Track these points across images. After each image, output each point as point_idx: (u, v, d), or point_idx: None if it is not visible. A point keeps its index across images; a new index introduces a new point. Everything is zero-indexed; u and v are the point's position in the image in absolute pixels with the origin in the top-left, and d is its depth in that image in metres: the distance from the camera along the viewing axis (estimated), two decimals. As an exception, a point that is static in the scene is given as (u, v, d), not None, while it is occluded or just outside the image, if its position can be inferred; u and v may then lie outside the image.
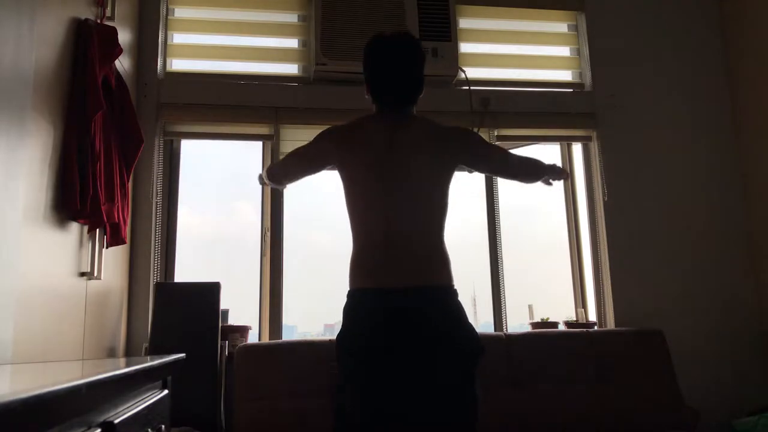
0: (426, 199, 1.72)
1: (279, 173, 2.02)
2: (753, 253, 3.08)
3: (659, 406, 2.52)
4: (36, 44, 1.59)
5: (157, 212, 2.68)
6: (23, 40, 1.51)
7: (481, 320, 2.91)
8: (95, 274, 2.02)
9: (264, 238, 2.81)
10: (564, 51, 3.26)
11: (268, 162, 2.88)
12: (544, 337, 2.63)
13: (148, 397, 1.13)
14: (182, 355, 1.35)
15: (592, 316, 3.02)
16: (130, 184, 2.33)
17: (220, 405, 2.38)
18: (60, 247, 1.77)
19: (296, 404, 2.29)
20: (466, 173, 2.73)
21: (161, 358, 1.21)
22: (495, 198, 3.01)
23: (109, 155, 2.03)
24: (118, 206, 2.07)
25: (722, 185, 3.14)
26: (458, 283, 1.71)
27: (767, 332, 2.99)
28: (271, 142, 2.84)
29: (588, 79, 3.15)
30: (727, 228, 3.09)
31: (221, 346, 2.43)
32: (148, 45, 2.76)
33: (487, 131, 2.96)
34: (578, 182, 3.16)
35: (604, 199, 3.01)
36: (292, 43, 3.01)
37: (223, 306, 2.47)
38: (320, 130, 2.97)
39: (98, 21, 2.07)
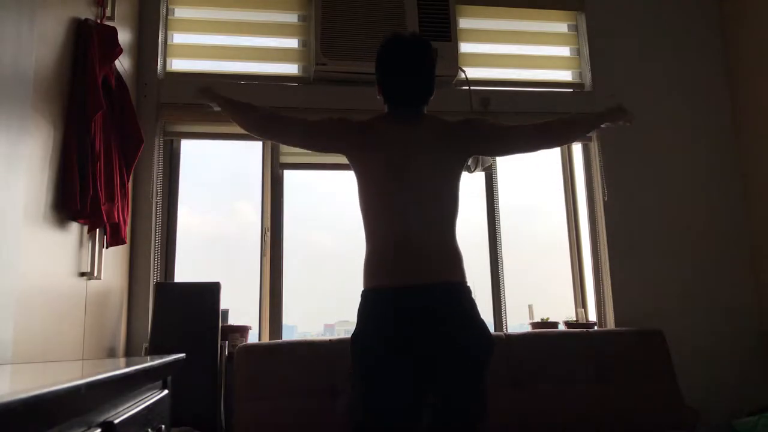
0: (439, 197, 1.75)
1: (274, 123, 1.91)
2: (753, 253, 3.08)
3: (659, 406, 2.52)
4: (36, 44, 1.59)
5: (157, 212, 2.67)
6: (23, 40, 1.51)
7: (481, 320, 2.90)
8: (95, 274, 2.02)
9: (264, 238, 2.81)
10: (564, 51, 3.26)
11: (268, 162, 2.88)
12: (544, 337, 2.63)
13: (148, 397, 1.13)
14: (182, 355, 1.35)
15: (592, 316, 3.02)
16: (130, 184, 2.33)
17: (220, 405, 2.38)
18: (60, 247, 1.77)
19: (296, 404, 2.28)
20: (465, 173, 2.73)
21: (161, 358, 1.21)
22: (495, 198, 3.01)
23: (109, 155, 2.03)
24: (118, 206, 2.07)
25: (722, 185, 3.14)
26: (458, 282, 1.71)
27: (767, 332, 2.99)
28: (271, 142, 2.84)
29: (588, 79, 3.15)
30: (727, 228, 3.10)
31: (221, 346, 2.43)
32: (148, 45, 2.76)
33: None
34: (578, 182, 3.16)
35: (604, 199, 3.01)
36: (292, 43, 3.01)
37: (223, 306, 2.47)
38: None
39: (98, 21, 2.07)
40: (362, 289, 1.70)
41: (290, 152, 2.88)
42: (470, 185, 3.04)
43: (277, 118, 1.93)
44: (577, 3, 3.21)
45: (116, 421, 0.87)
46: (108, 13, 2.17)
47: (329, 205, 3.06)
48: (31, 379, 0.90)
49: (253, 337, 2.68)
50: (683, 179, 3.11)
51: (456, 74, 2.93)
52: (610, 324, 2.93)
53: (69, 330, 1.84)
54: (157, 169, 2.68)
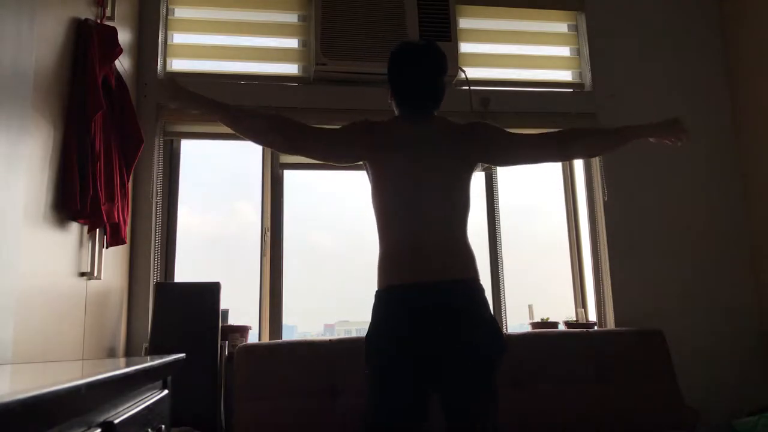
0: (452, 197, 1.77)
1: (283, 129, 1.80)
2: (753, 253, 3.08)
3: (659, 406, 2.52)
4: (36, 44, 1.59)
5: (157, 212, 2.67)
6: (23, 40, 1.51)
7: (481, 320, 2.91)
8: (95, 274, 2.02)
9: (264, 238, 2.81)
10: (564, 51, 3.26)
11: (268, 162, 2.87)
12: (544, 337, 2.63)
13: (148, 397, 1.13)
14: (182, 355, 1.35)
15: (592, 316, 3.02)
16: (130, 184, 2.33)
17: (220, 405, 2.38)
18: (60, 247, 1.77)
19: (296, 404, 2.28)
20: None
21: (161, 358, 1.21)
22: (495, 198, 3.01)
23: (109, 155, 2.03)
24: (118, 206, 2.07)
25: (722, 185, 3.14)
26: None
27: (767, 332, 2.99)
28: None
29: (588, 79, 3.15)
30: (727, 228, 3.10)
31: (221, 346, 2.43)
32: (148, 45, 2.76)
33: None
34: (578, 182, 3.16)
35: (604, 199, 3.01)
36: (292, 43, 3.01)
37: (223, 306, 2.47)
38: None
39: (98, 21, 2.07)
40: (376, 289, 1.72)
41: (290, 152, 2.88)
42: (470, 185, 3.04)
43: (293, 128, 1.82)
44: (577, 3, 3.21)
45: (116, 421, 0.87)
46: (108, 13, 2.17)
47: (329, 205, 3.06)
48: (31, 379, 0.90)
49: (253, 337, 2.68)
50: (683, 179, 3.11)
51: (456, 74, 2.93)
52: (610, 324, 2.93)
53: (69, 330, 1.84)
54: (157, 169, 2.68)
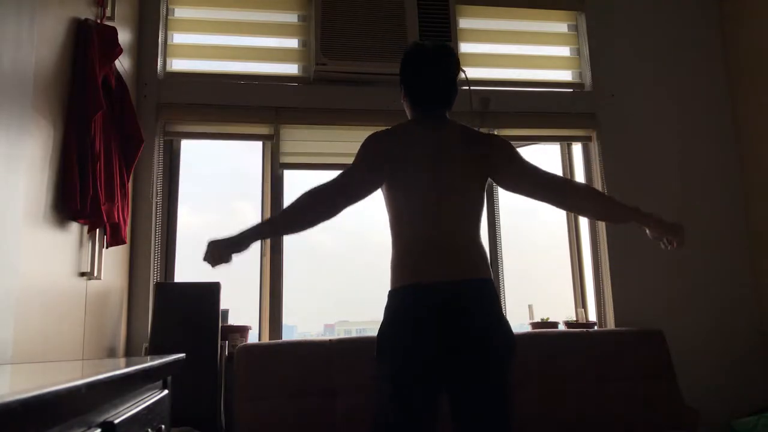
0: (465, 197, 1.78)
1: (314, 204, 1.74)
2: (753, 254, 3.08)
3: (659, 406, 2.52)
4: (36, 44, 1.59)
5: (157, 212, 2.67)
6: (23, 40, 1.51)
7: (481, 320, 2.91)
8: (95, 274, 2.02)
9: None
10: (564, 51, 3.26)
11: (268, 162, 2.87)
12: (544, 337, 2.63)
13: (148, 397, 1.13)
14: (182, 355, 1.35)
15: (592, 316, 3.02)
16: (130, 184, 2.33)
17: (220, 405, 2.38)
18: (60, 247, 1.77)
19: (296, 404, 2.28)
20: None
21: (161, 358, 1.21)
22: (495, 198, 3.01)
23: (109, 155, 2.03)
24: (118, 206, 2.07)
25: (722, 185, 3.14)
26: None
27: (767, 332, 2.99)
28: (271, 142, 2.84)
29: (588, 79, 3.15)
30: (727, 228, 3.10)
31: (221, 346, 2.43)
32: (148, 45, 2.76)
33: (487, 131, 2.96)
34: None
35: (604, 199, 3.00)
36: (292, 43, 3.01)
37: (223, 306, 2.47)
38: (320, 130, 2.99)
39: (98, 21, 2.07)
40: (389, 289, 1.72)
41: (290, 152, 2.88)
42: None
43: (321, 198, 1.75)
44: (577, 3, 3.21)
45: (116, 421, 0.87)
46: (108, 13, 2.17)
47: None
48: (31, 379, 0.90)
49: (253, 337, 2.68)
50: (683, 179, 3.10)
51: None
52: (610, 324, 2.93)
53: (69, 330, 1.84)
54: (157, 169, 2.68)
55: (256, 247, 2.80)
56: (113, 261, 2.30)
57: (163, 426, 1.15)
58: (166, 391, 1.27)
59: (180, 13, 2.94)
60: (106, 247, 2.13)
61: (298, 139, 2.89)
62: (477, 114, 2.94)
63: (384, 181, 1.79)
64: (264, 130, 2.85)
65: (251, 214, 2.90)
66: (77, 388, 0.68)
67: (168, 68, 2.86)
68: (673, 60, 3.23)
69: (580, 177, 3.15)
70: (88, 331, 2.01)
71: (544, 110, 3.05)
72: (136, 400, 1.06)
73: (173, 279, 2.72)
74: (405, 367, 1.63)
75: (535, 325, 2.90)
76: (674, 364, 2.65)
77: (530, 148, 3.13)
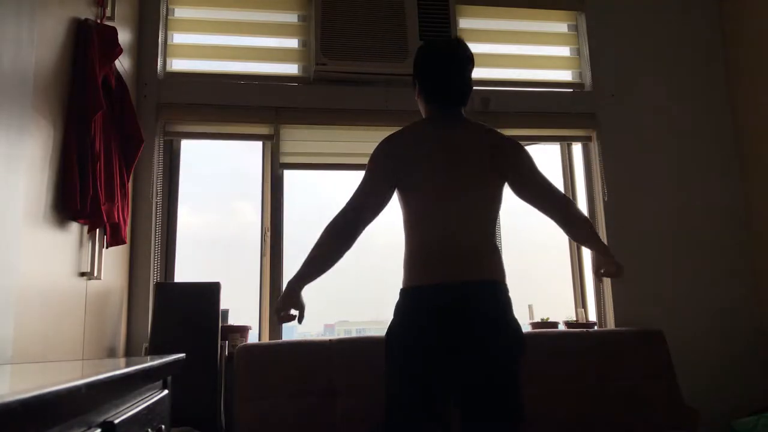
0: (482, 199, 1.78)
1: (348, 221, 1.76)
2: (753, 254, 3.08)
3: (659, 406, 2.52)
4: (36, 44, 1.59)
5: (157, 212, 2.68)
6: (23, 40, 1.51)
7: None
8: (95, 274, 2.02)
9: (264, 238, 2.81)
10: (564, 51, 3.26)
11: (268, 162, 2.87)
12: (544, 337, 2.63)
13: (148, 397, 1.13)
14: (182, 355, 1.35)
15: (592, 316, 3.02)
16: (130, 184, 2.33)
17: (220, 405, 2.38)
18: (60, 247, 1.77)
19: (296, 404, 2.28)
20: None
21: (161, 358, 1.21)
22: (495, 198, 3.01)
23: (109, 155, 2.03)
24: (118, 206, 2.07)
25: (722, 185, 3.14)
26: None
27: (767, 332, 2.99)
28: (271, 142, 2.84)
29: (588, 79, 3.15)
30: (727, 228, 3.10)
31: (221, 346, 2.43)
32: (148, 45, 2.76)
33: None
34: (578, 182, 3.16)
35: (604, 199, 3.01)
36: (292, 43, 3.01)
37: (223, 306, 2.47)
38: (320, 130, 2.99)
39: (98, 21, 2.07)
40: (401, 287, 1.72)
41: (290, 152, 2.88)
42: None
43: (344, 214, 1.78)
44: (577, 3, 3.21)
45: (116, 421, 0.87)
46: (108, 13, 2.17)
47: (330, 205, 3.06)
48: (31, 379, 0.90)
49: (253, 337, 2.68)
50: (683, 179, 3.10)
51: (456, 74, 2.93)
52: (610, 324, 2.93)
53: (69, 330, 1.84)
54: (157, 169, 2.68)
55: (256, 247, 2.81)
56: (113, 261, 2.30)
57: (163, 426, 1.15)
58: (166, 391, 1.27)
59: (180, 13, 2.94)
60: (106, 247, 2.13)
61: (298, 139, 2.89)
62: (477, 114, 2.93)
63: (395, 188, 1.80)
64: (264, 130, 2.85)
65: (251, 214, 2.90)
66: (77, 388, 0.68)
67: (168, 68, 2.86)
68: (673, 60, 3.23)
69: (580, 177, 3.15)
70: (88, 331, 2.01)
71: (544, 110, 3.05)
72: (136, 400, 1.06)
73: (173, 279, 2.72)
74: (412, 367, 1.64)
75: (535, 325, 2.90)
76: (674, 364, 2.65)
77: (530, 148, 3.11)
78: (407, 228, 1.78)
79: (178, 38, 2.93)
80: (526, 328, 2.95)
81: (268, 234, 2.82)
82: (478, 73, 3.06)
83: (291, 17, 3.02)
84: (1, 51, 1.39)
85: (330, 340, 2.45)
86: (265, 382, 2.32)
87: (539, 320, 2.91)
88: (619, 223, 3.00)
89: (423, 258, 1.71)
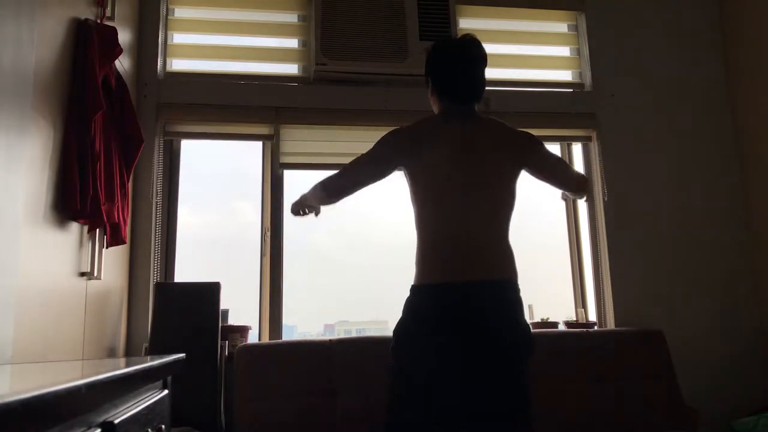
0: (496, 196, 1.79)
1: (342, 183, 1.94)
2: (753, 254, 3.08)
3: (659, 406, 2.52)
4: (36, 44, 1.58)
5: (157, 212, 2.68)
6: (23, 40, 1.51)
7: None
8: (95, 274, 2.02)
9: (264, 238, 2.81)
10: (564, 51, 3.26)
11: (268, 162, 2.88)
12: (544, 337, 2.63)
13: (148, 397, 1.13)
14: (182, 355, 1.35)
15: (592, 316, 3.02)
16: (130, 184, 2.33)
17: (220, 405, 2.38)
18: (60, 247, 1.77)
19: (296, 404, 2.28)
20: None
21: (161, 358, 1.21)
22: (495, 198, 3.01)
23: (109, 155, 2.03)
24: (118, 206, 2.07)
25: (722, 185, 3.14)
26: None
27: (767, 332, 2.99)
28: (271, 142, 2.84)
29: (588, 79, 3.15)
30: (727, 228, 3.10)
31: (221, 346, 2.43)
32: (148, 45, 2.76)
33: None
34: (578, 182, 3.16)
35: (604, 199, 3.01)
36: (292, 43, 3.01)
37: (223, 306, 2.47)
38: (320, 130, 2.99)
39: (98, 21, 2.07)
40: (412, 284, 1.73)
41: (290, 152, 2.88)
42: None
43: (339, 175, 1.97)
44: (577, 3, 3.21)
45: (116, 421, 0.87)
46: (108, 13, 2.17)
47: (329, 205, 3.05)
48: (31, 379, 0.90)
49: (253, 337, 2.68)
50: (683, 179, 3.10)
51: (456, 74, 2.93)
52: (610, 324, 2.93)
53: (69, 330, 1.84)
54: (157, 169, 2.68)
55: (256, 247, 2.81)
56: (113, 261, 2.30)
57: (163, 426, 1.15)
58: (166, 391, 1.27)
59: (180, 13, 2.94)
60: (106, 247, 2.13)
61: (298, 139, 2.89)
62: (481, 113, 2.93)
63: (386, 175, 1.86)
64: (264, 130, 2.85)
65: (251, 214, 2.90)
66: (77, 388, 0.68)
67: (168, 68, 2.86)
68: (673, 60, 3.23)
69: (580, 177, 3.15)
70: (88, 331, 2.01)
71: (544, 110, 3.05)
72: (136, 400, 1.06)
73: (173, 279, 2.72)
74: (419, 364, 1.63)
75: (535, 325, 2.90)
76: (674, 364, 2.65)
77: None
78: (419, 224, 1.78)
79: (178, 38, 2.93)
80: (526, 328, 2.95)
81: (268, 234, 2.82)
82: (478, 73, 3.08)
83: (291, 17, 3.02)
84: (1, 51, 1.39)
85: (330, 340, 2.45)
86: (265, 382, 2.32)
87: (539, 320, 2.91)
88: (619, 223, 3.00)
89: (434, 255, 1.71)
